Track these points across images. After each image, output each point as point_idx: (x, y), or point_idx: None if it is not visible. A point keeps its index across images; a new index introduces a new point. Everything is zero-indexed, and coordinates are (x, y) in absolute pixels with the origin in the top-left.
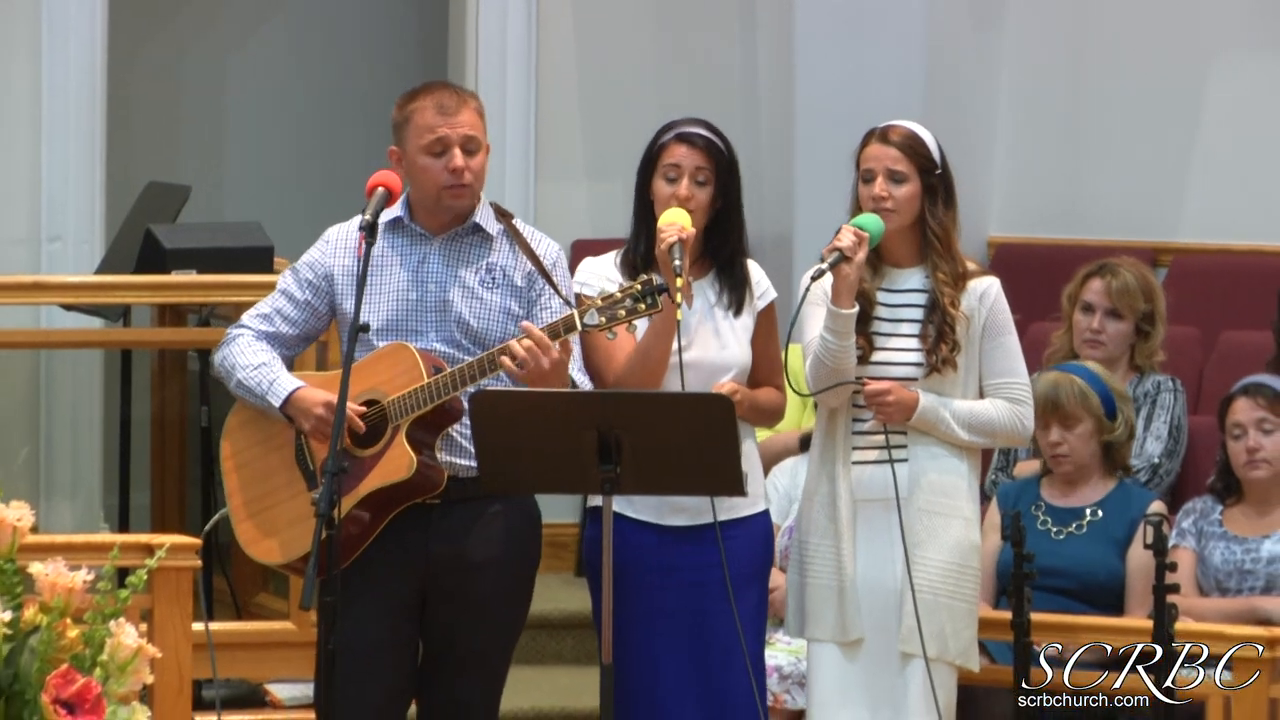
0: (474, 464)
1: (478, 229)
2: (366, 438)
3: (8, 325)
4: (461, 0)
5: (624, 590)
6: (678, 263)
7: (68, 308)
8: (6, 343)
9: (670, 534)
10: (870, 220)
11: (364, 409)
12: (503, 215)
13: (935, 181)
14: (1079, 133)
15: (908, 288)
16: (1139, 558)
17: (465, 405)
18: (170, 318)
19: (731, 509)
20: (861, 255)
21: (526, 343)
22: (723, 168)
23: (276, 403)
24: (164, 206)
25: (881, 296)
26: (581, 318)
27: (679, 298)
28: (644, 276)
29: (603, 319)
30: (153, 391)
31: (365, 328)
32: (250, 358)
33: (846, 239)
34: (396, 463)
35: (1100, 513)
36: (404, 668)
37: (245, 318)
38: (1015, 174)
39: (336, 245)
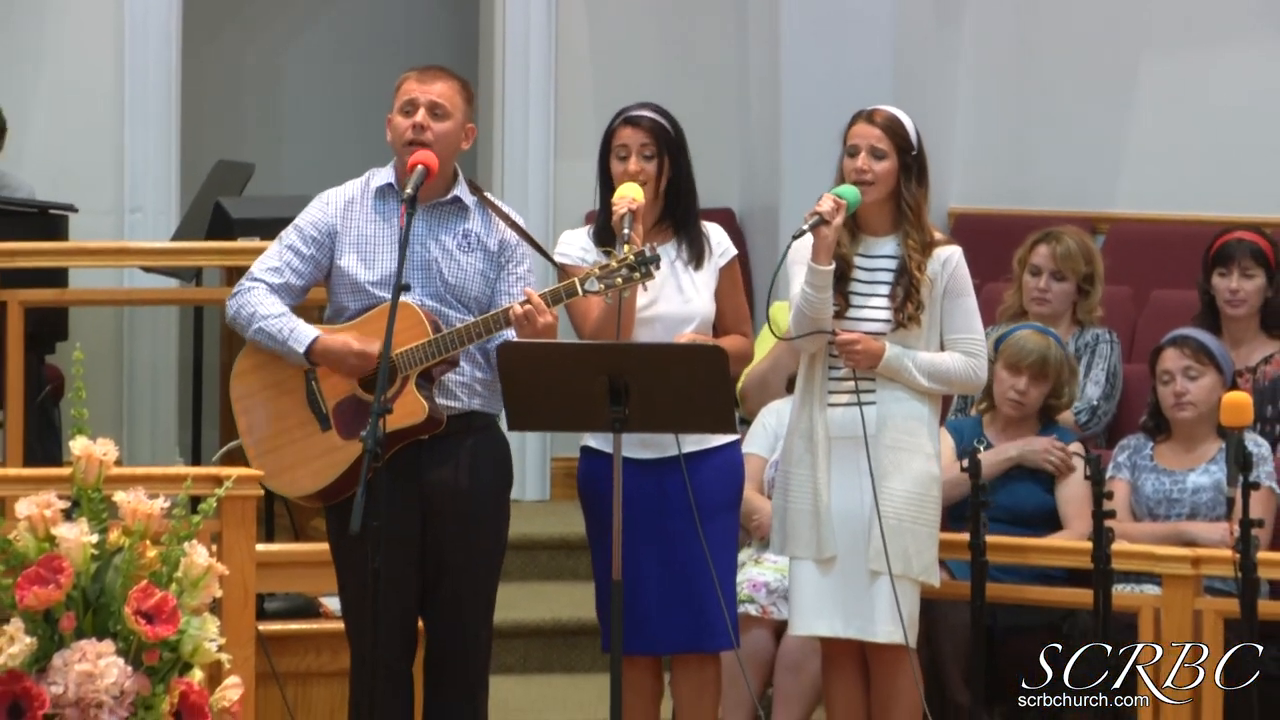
0: (455, 404)
1: (456, 200)
2: (373, 385)
3: (96, 285)
4: (490, 1)
5: (607, 517)
6: (626, 231)
7: (147, 270)
8: (94, 300)
9: (647, 466)
10: (849, 190)
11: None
12: (476, 189)
13: (911, 160)
14: (1028, 117)
15: (881, 254)
16: (1067, 488)
17: (459, 356)
18: (237, 279)
19: (700, 441)
20: (839, 220)
21: (527, 306)
22: (667, 142)
23: (300, 349)
24: (231, 181)
25: (858, 260)
26: (583, 284)
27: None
28: (638, 248)
29: (602, 285)
30: (221, 342)
31: (408, 286)
32: (270, 308)
33: (826, 204)
34: (411, 408)
35: None
36: (413, 588)
37: (256, 270)
38: (972, 153)
39: (335, 205)
